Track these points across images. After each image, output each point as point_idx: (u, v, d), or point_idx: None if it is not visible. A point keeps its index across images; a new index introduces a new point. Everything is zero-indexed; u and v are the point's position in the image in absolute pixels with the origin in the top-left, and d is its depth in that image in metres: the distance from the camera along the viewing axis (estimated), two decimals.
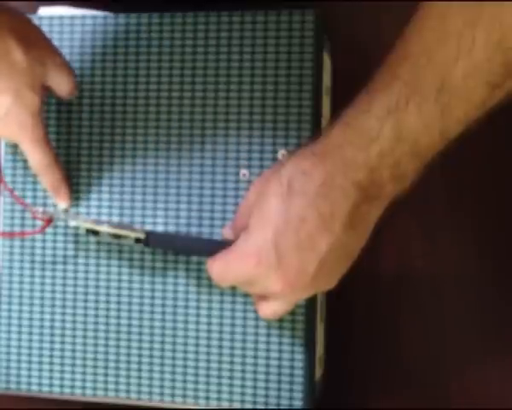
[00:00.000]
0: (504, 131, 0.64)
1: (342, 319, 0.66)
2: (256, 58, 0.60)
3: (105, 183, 0.62)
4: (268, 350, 0.59)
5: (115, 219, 0.62)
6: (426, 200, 0.65)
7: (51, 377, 0.63)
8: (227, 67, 0.60)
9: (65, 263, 0.62)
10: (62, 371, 0.62)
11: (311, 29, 0.59)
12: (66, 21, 0.63)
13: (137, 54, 0.62)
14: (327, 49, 0.62)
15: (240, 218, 0.55)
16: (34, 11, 0.66)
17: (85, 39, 0.63)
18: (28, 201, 0.63)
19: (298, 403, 0.59)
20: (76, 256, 0.62)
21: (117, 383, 0.62)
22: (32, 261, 0.63)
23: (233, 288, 0.59)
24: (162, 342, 0.61)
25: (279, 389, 0.59)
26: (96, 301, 0.62)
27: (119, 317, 0.61)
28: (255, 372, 0.59)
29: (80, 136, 0.63)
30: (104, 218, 0.62)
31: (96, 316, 0.62)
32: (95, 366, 0.62)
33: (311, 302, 0.58)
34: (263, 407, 0.59)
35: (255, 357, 0.59)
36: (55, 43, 0.62)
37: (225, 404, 0.60)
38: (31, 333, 0.63)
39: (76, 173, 0.62)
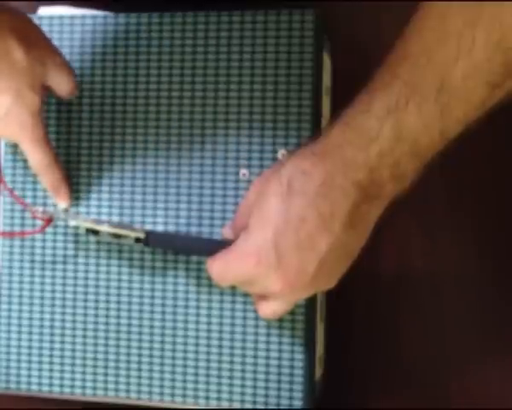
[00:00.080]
0: (504, 131, 0.64)
1: (342, 318, 0.66)
2: (256, 58, 0.60)
3: (105, 183, 0.62)
4: (268, 350, 0.59)
5: (115, 218, 0.62)
6: (426, 200, 0.65)
7: (51, 377, 0.63)
8: (227, 66, 0.60)
9: (65, 263, 0.62)
10: (62, 371, 0.62)
11: (310, 29, 0.59)
12: (66, 21, 0.63)
13: (137, 54, 0.62)
14: (327, 49, 0.62)
15: (240, 217, 0.55)
16: (34, 11, 0.66)
17: (85, 39, 0.63)
18: (28, 200, 0.63)
19: (298, 403, 0.58)
20: (76, 256, 0.62)
21: (117, 382, 0.62)
22: (32, 261, 0.63)
23: (233, 288, 0.59)
24: (162, 342, 0.61)
25: (279, 389, 0.59)
26: (96, 301, 0.62)
27: (118, 317, 0.61)
28: (255, 372, 0.59)
29: (80, 136, 0.63)
30: (104, 217, 0.62)
31: (96, 316, 0.62)
32: (94, 366, 0.62)
33: (310, 302, 0.58)
34: (263, 407, 0.59)
35: (255, 357, 0.59)
36: (55, 43, 0.62)
37: (225, 404, 0.60)
38: (30, 333, 0.63)
39: (76, 173, 0.62)
